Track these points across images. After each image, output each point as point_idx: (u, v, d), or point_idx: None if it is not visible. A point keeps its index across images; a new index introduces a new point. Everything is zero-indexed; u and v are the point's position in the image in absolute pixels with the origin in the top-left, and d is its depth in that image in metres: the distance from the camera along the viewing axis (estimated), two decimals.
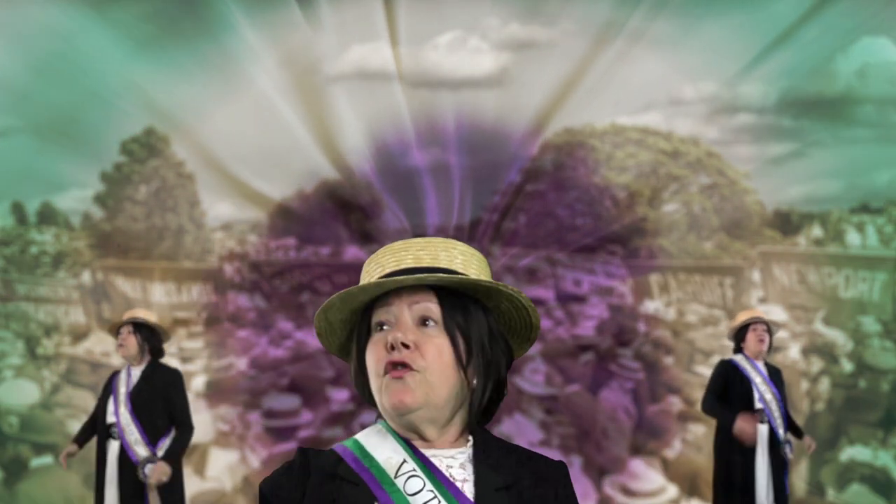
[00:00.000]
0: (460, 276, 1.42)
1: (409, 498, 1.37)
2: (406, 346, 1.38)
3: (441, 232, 7.67)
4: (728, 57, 7.48)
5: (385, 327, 1.42)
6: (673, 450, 7.50)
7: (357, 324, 1.48)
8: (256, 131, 7.57)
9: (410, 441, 1.43)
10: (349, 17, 7.53)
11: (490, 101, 7.60)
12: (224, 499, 7.42)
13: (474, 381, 1.43)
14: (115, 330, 5.36)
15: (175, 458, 5.21)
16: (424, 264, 1.44)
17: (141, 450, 5.12)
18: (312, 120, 7.60)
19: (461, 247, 1.47)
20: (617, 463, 7.33)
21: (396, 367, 1.37)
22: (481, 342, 1.43)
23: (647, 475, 7.35)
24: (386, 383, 1.38)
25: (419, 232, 7.66)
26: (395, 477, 1.39)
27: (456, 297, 1.43)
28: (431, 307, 1.41)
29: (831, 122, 7.53)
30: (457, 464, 1.42)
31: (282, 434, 7.52)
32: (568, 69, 7.54)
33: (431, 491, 1.37)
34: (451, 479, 1.39)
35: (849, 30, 7.46)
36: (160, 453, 5.16)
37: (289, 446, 7.49)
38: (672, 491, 7.46)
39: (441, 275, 1.41)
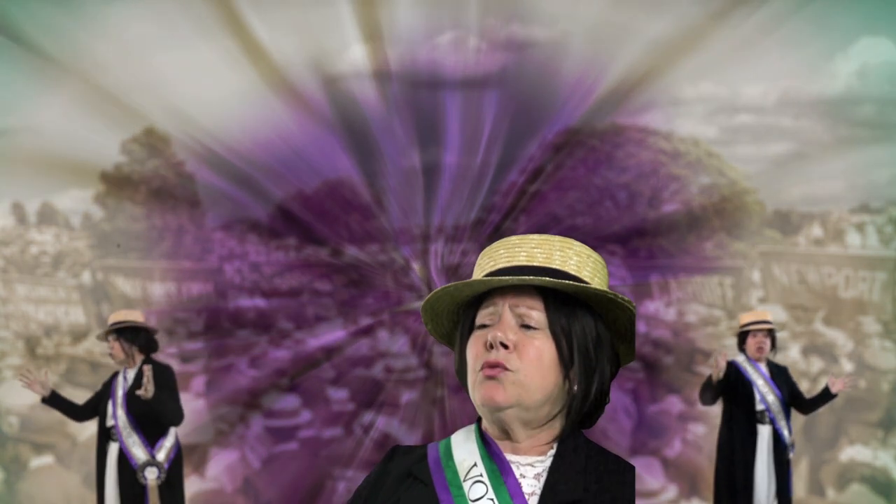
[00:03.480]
0: (566, 281, 1.36)
1: (472, 503, 1.36)
2: (505, 346, 1.36)
3: (441, 231, 7.67)
4: (730, 57, 7.48)
5: (488, 325, 1.39)
6: (673, 450, 7.50)
7: (462, 316, 1.45)
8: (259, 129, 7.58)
9: (495, 444, 1.41)
10: (350, 16, 7.52)
11: (489, 101, 7.60)
12: (224, 499, 7.42)
13: (574, 387, 1.39)
14: (104, 338, 5.41)
15: (160, 401, 5.06)
16: (537, 263, 1.39)
17: (139, 452, 5.15)
18: (311, 119, 7.60)
19: (578, 247, 1.42)
20: None
21: (492, 367, 1.36)
22: (585, 348, 1.39)
23: (647, 475, 7.35)
24: (479, 380, 1.37)
25: (420, 232, 7.66)
26: (465, 480, 1.38)
27: (563, 300, 1.38)
28: (535, 310, 1.38)
29: (831, 122, 7.53)
30: (532, 473, 1.39)
31: (282, 434, 7.52)
32: (568, 69, 7.54)
33: (491, 500, 1.36)
34: (520, 489, 1.37)
35: (849, 30, 7.46)
36: (159, 455, 5.19)
37: (289, 446, 7.49)
38: (672, 491, 7.46)
39: (547, 278, 1.36)
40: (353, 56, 7.59)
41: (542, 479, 1.38)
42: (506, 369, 1.35)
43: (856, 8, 7.44)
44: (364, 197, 7.67)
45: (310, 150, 7.60)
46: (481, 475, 1.38)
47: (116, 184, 7.68)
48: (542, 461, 1.41)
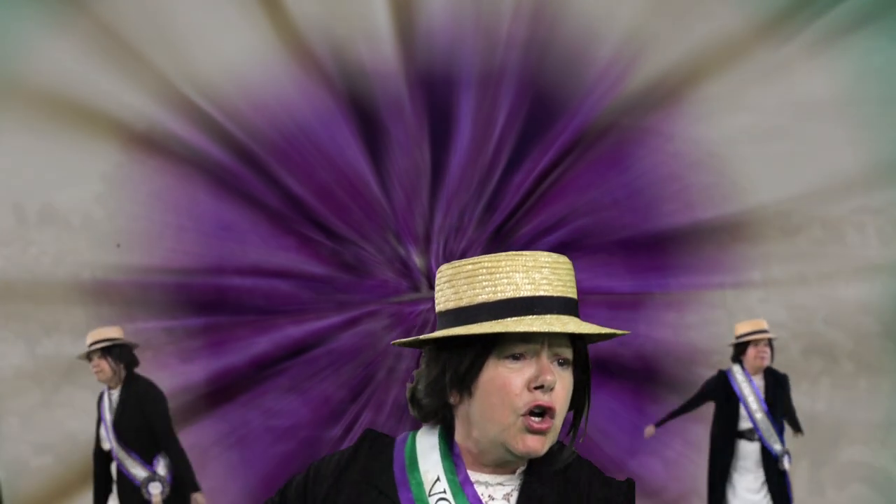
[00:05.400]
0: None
1: None
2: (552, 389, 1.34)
3: (441, 231, 7.67)
4: (729, 57, 7.48)
5: (521, 357, 1.34)
6: (673, 450, 7.50)
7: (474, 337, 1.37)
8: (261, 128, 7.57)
9: (462, 463, 1.37)
10: (351, 15, 7.51)
11: (503, 101, 7.59)
12: (224, 499, 7.42)
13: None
14: (86, 357, 5.33)
15: (189, 482, 5.21)
16: (558, 292, 1.36)
17: (139, 471, 5.12)
18: (325, 104, 7.56)
19: (565, 263, 1.40)
20: (617, 463, 7.33)
21: (543, 416, 1.32)
22: (591, 375, 1.43)
23: (647, 475, 7.35)
24: (521, 426, 1.32)
25: (422, 230, 7.66)
26: (430, 495, 1.35)
27: (579, 337, 1.40)
28: (567, 346, 1.37)
29: (831, 122, 7.53)
30: (501, 493, 1.37)
31: (282, 434, 7.52)
32: (567, 68, 7.53)
33: None
34: None
35: (849, 30, 7.46)
36: (160, 470, 5.15)
37: (289, 446, 7.49)
38: (672, 491, 7.45)
39: (595, 327, 1.38)
40: (377, 45, 7.51)
41: (513, 500, 1.36)
42: (551, 419, 1.34)
43: (855, 8, 7.44)
44: (371, 189, 7.65)
45: (320, 134, 7.57)
46: (445, 492, 1.35)
47: (116, 184, 7.65)
48: (511, 480, 1.38)
